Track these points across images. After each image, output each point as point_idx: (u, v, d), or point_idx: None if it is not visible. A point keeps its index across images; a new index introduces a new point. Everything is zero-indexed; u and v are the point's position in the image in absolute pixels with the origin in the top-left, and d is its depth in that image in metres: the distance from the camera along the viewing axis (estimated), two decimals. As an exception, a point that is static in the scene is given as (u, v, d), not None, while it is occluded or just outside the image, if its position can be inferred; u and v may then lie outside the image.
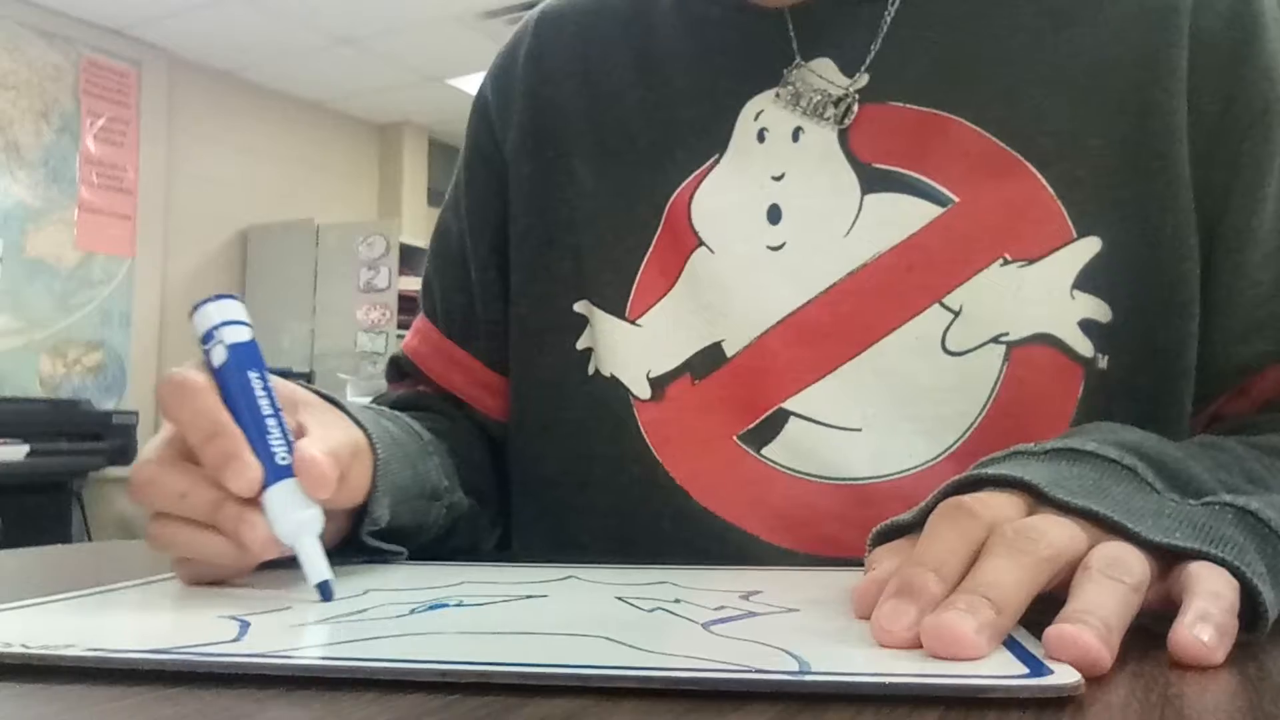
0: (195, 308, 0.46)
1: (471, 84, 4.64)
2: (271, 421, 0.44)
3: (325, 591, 0.42)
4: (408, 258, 4.37)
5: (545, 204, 0.69)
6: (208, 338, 0.46)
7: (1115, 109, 0.58)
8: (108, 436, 3.62)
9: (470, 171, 0.75)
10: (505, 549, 0.73)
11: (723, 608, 0.39)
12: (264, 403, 0.45)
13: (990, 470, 0.39)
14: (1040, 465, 0.39)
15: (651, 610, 0.39)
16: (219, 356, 0.45)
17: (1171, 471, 0.41)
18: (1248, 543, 0.37)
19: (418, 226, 4.95)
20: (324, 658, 0.31)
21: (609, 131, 0.68)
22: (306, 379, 4.16)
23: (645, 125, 0.67)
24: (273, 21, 4.02)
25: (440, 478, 0.59)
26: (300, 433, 0.46)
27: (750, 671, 0.29)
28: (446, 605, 0.40)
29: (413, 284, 3.93)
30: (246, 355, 0.45)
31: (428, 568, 0.52)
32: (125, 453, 3.67)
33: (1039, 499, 0.38)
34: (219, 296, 0.47)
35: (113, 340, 4.15)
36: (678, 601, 0.41)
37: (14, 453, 3.31)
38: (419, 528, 0.56)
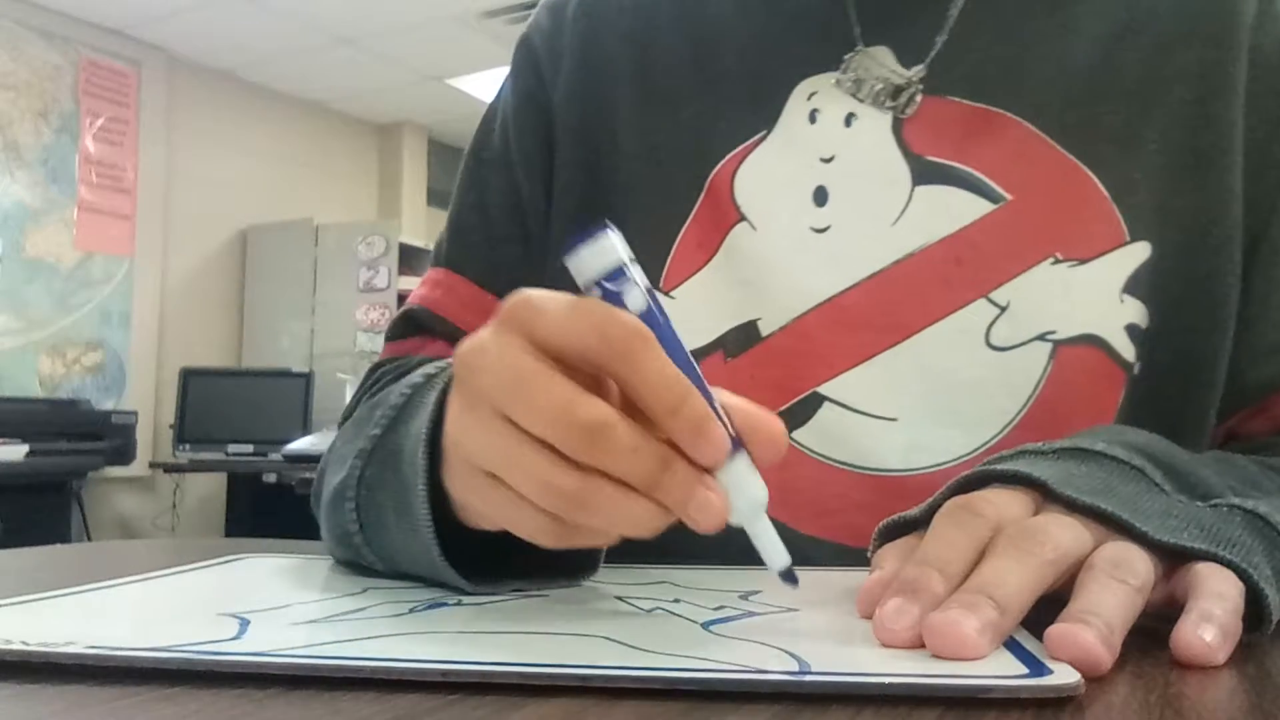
0: (583, 239, 0.36)
1: (471, 84, 4.64)
2: (706, 383, 0.36)
3: (792, 578, 0.37)
4: (407, 258, 4.37)
5: (589, 160, 0.67)
6: (617, 275, 0.36)
7: (1173, 119, 0.58)
8: (107, 436, 3.62)
9: (521, 120, 0.71)
10: None
11: (722, 607, 0.39)
12: (694, 363, 0.37)
13: (999, 466, 0.39)
14: (1049, 463, 0.39)
15: (651, 610, 0.39)
16: (637, 302, 0.36)
17: (1179, 473, 0.41)
18: (1255, 545, 0.37)
19: (417, 226, 4.96)
20: (324, 656, 0.31)
21: (656, 99, 0.67)
22: (306, 379, 4.16)
23: (693, 95, 0.66)
24: (273, 21, 4.02)
25: None
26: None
27: (750, 672, 0.29)
28: (446, 604, 0.40)
29: (412, 284, 3.92)
30: (658, 303, 0.37)
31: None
32: (124, 453, 3.67)
33: (1047, 496, 0.38)
34: (603, 227, 0.37)
35: (112, 340, 4.15)
36: (677, 601, 0.41)
37: (13, 453, 3.31)
38: None
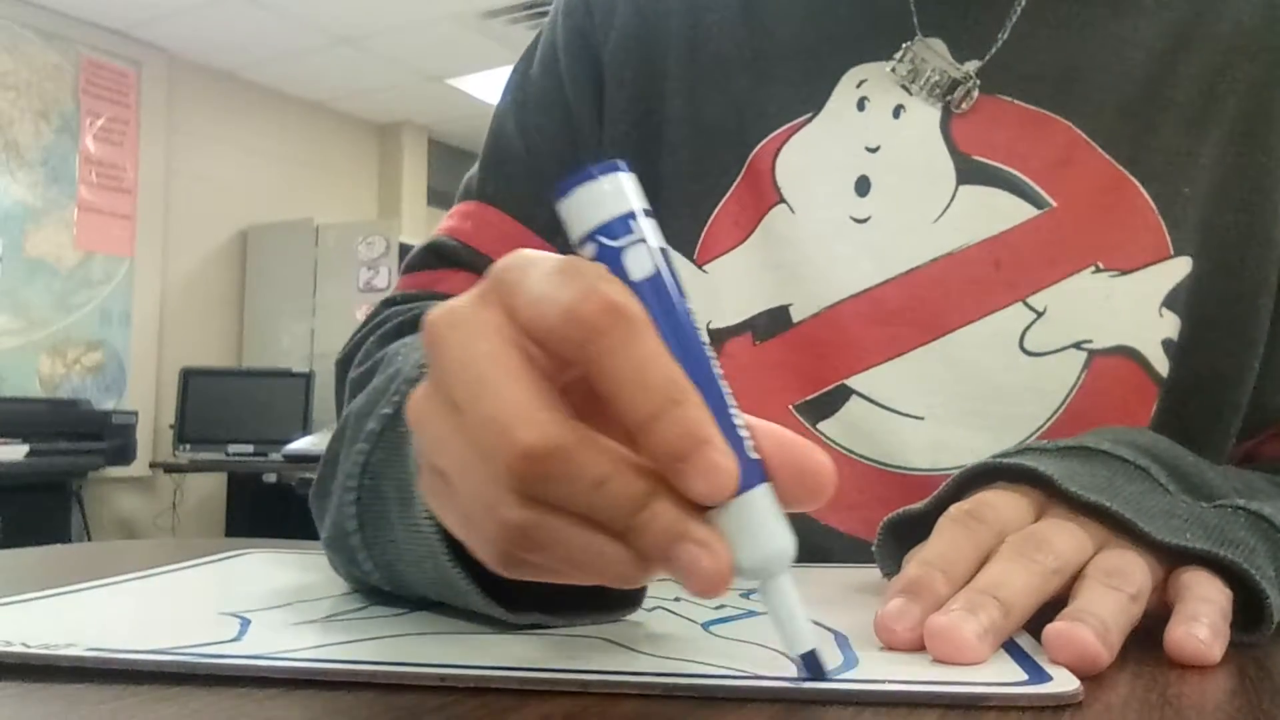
0: (583, 179, 0.28)
1: (472, 84, 4.64)
2: (726, 386, 0.28)
3: (815, 667, 0.28)
4: (408, 258, 4.36)
5: (638, 116, 0.66)
6: (619, 229, 0.28)
7: (1223, 136, 0.57)
8: (107, 436, 3.62)
9: (572, 49, 0.68)
10: None
11: (723, 607, 0.39)
12: (710, 355, 0.28)
13: (1005, 461, 0.39)
14: (1054, 460, 0.39)
15: (652, 609, 0.39)
16: (643, 265, 0.27)
17: (1184, 474, 0.41)
18: (1258, 546, 0.37)
19: (417, 226, 4.95)
20: (323, 658, 0.31)
21: (705, 69, 0.65)
22: (307, 379, 4.16)
23: (742, 69, 0.64)
24: (273, 21, 4.02)
25: None
26: None
27: (747, 677, 0.29)
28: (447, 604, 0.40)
29: (412, 284, 3.92)
30: (675, 273, 0.28)
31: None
32: (124, 452, 3.67)
33: (1051, 493, 0.38)
34: (614, 166, 0.28)
35: (112, 340, 4.15)
36: (678, 600, 0.41)
37: (13, 452, 3.30)
38: None
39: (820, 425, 0.59)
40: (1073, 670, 0.29)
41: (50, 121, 3.96)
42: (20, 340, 3.85)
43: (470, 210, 0.68)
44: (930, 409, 0.57)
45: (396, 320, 0.61)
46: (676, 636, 0.34)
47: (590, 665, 0.29)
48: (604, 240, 0.27)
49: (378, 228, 4.50)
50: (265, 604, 0.40)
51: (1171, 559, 0.36)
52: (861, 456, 0.58)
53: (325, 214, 4.69)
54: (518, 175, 0.67)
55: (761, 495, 0.27)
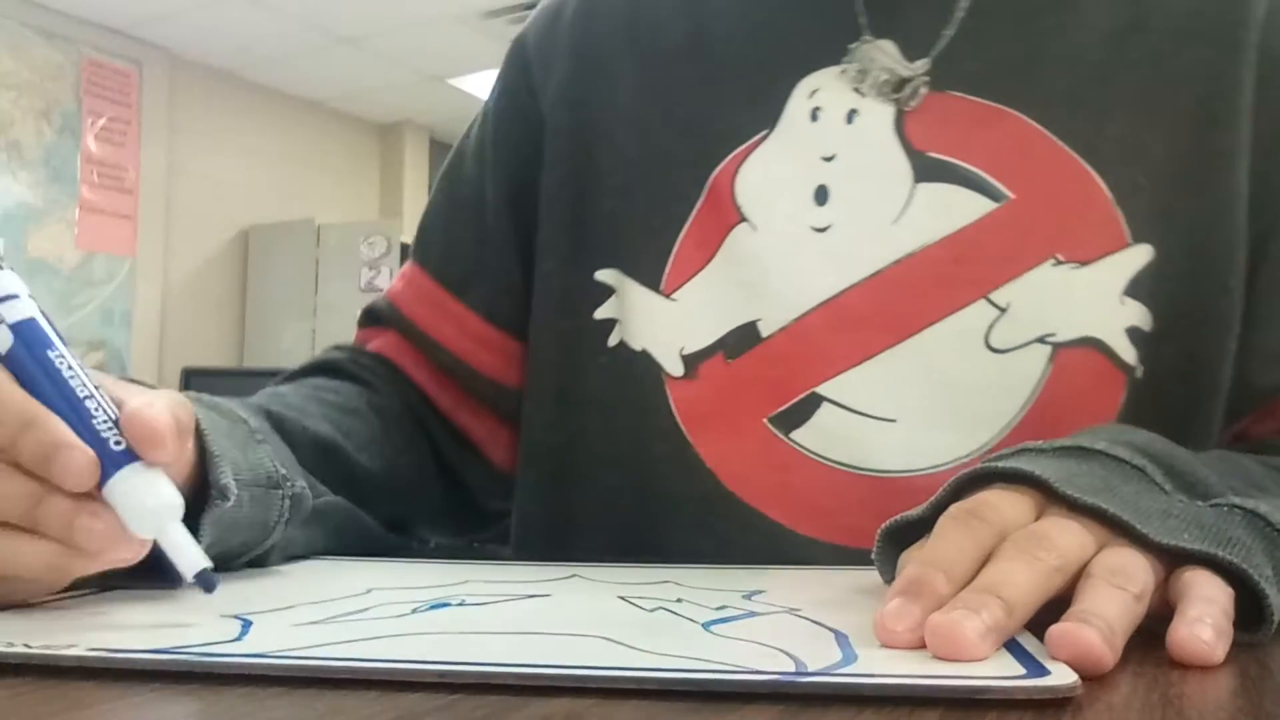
0: None
1: (472, 84, 4.64)
2: (92, 404, 0.37)
3: (207, 581, 0.37)
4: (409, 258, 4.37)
5: (582, 164, 0.67)
6: None
7: (1179, 119, 0.57)
8: (109, 436, 3.61)
9: (500, 118, 0.72)
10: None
11: (724, 607, 0.39)
12: (76, 384, 0.37)
13: (1000, 464, 0.39)
14: (1050, 461, 0.39)
15: (653, 610, 0.39)
16: (2, 341, 0.38)
17: (1180, 472, 0.41)
18: (1255, 545, 0.36)
19: (419, 226, 4.95)
20: (325, 658, 0.31)
21: (655, 99, 0.66)
22: (307, 379, 4.16)
23: (693, 95, 0.65)
24: (273, 21, 4.02)
25: (274, 466, 0.49)
26: (118, 405, 0.39)
27: (746, 673, 0.29)
28: (449, 604, 0.40)
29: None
30: (36, 334, 0.38)
31: (432, 566, 0.52)
32: (126, 452, 3.67)
33: (1049, 495, 0.38)
34: None
35: (114, 340, 4.15)
36: (680, 601, 0.41)
37: (15, 452, 3.30)
38: (264, 524, 0.47)
39: (793, 434, 0.59)
40: (1077, 672, 0.29)
41: (51, 121, 3.96)
42: (22, 340, 3.85)
43: (406, 272, 0.74)
44: (901, 411, 0.58)
45: (291, 376, 0.69)
46: (676, 636, 0.34)
47: (590, 665, 0.29)
48: None
49: (379, 228, 4.50)
50: (267, 605, 0.40)
51: (1171, 559, 0.36)
52: (836, 463, 0.58)
53: (327, 214, 4.70)
54: (436, 241, 0.74)
55: (132, 472, 0.36)
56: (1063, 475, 0.38)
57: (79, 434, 0.36)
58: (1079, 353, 0.56)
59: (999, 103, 0.59)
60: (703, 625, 0.36)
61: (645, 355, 0.63)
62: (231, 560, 0.47)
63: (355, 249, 4.43)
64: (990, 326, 0.57)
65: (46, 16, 3.93)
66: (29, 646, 0.31)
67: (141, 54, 4.25)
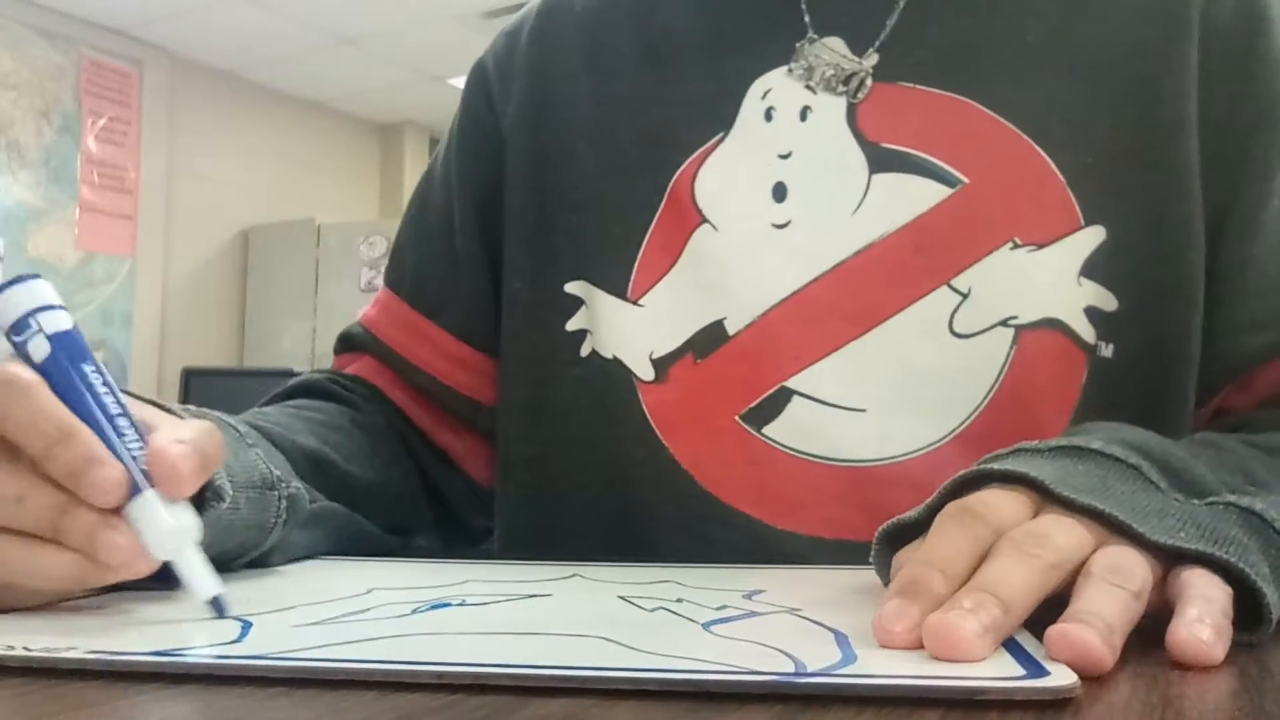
0: (5, 286, 0.39)
1: (472, 84, 4.64)
2: (124, 421, 0.38)
3: (220, 607, 0.37)
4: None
5: (544, 181, 0.68)
6: (21, 327, 0.39)
7: (1125, 98, 0.58)
8: (109, 436, 3.62)
9: (463, 140, 0.74)
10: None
11: (724, 607, 0.39)
12: (109, 400, 0.38)
13: (995, 465, 0.39)
14: (1046, 462, 0.39)
15: (653, 610, 0.39)
16: (40, 350, 0.38)
17: (1175, 470, 0.41)
18: (1252, 543, 0.36)
19: (419, 226, 4.95)
20: (324, 659, 0.31)
21: (612, 111, 0.67)
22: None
23: (649, 104, 0.66)
24: (273, 21, 4.03)
25: (268, 468, 0.49)
26: (148, 429, 0.39)
27: (745, 673, 0.29)
28: (449, 605, 0.40)
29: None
30: (74, 346, 0.39)
31: (432, 566, 0.52)
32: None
33: (1045, 496, 0.38)
34: (24, 278, 0.39)
35: (114, 340, 4.15)
36: (680, 601, 0.41)
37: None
38: (261, 526, 0.48)
39: (765, 430, 0.60)
40: (1076, 672, 0.29)
41: (52, 121, 3.96)
42: (22, 340, 3.85)
43: (380, 297, 0.75)
44: (870, 400, 0.58)
45: (274, 399, 0.69)
46: (676, 636, 0.34)
47: (590, 665, 0.29)
48: (13, 337, 0.39)
49: (379, 228, 4.50)
50: (267, 606, 0.40)
51: (1168, 558, 0.36)
52: (809, 455, 0.59)
53: (327, 214, 4.69)
54: (408, 263, 0.74)
55: (154, 494, 0.37)
56: (1058, 475, 0.38)
57: (111, 449, 0.37)
58: (1041, 334, 0.57)
59: (947, 90, 0.60)
60: (703, 625, 0.36)
61: (616, 362, 0.64)
62: (230, 562, 0.47)
63: (355, 249, 4.43)
64: (953, 312, 0.58)
65: (46, 16, 3.93)
66: (29, 650, 0.31)
67: (142, 54, 4.25)
